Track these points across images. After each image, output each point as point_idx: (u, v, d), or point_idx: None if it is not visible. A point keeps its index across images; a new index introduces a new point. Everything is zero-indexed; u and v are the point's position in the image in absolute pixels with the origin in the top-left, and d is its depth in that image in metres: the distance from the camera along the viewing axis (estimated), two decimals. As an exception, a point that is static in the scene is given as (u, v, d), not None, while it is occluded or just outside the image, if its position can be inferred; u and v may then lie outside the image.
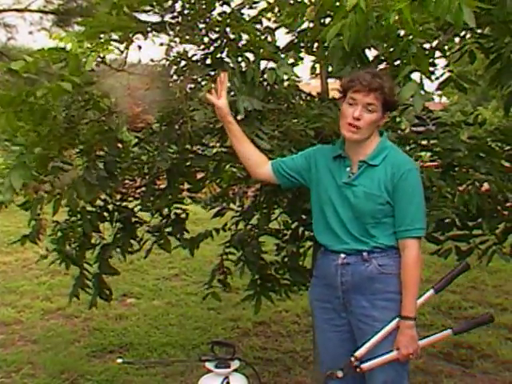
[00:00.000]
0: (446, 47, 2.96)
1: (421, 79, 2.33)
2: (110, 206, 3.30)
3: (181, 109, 2.64)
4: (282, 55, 2.82)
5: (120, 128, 2.90)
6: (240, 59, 2.74)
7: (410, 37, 2.26)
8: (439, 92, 3.10)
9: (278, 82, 2.65)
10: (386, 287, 2.03)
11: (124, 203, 3.35)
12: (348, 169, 2.12)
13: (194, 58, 2.84)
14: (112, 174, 2.90)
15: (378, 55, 2.82)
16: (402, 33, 2.35)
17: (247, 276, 3.43)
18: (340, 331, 2.15)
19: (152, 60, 2.71)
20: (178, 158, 3.00)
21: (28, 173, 2.35)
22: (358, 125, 2.06)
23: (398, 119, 3.07)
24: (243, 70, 2.71)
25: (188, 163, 3.07)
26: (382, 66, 2.84)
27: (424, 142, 2.96)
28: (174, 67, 2.77)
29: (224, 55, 2.80)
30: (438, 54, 2.80)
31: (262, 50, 2.71)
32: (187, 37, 2.68)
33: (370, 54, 2.74)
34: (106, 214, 3.27)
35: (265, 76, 2.68)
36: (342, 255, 2.09)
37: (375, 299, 2.04)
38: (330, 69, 3.02)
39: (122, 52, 2.43)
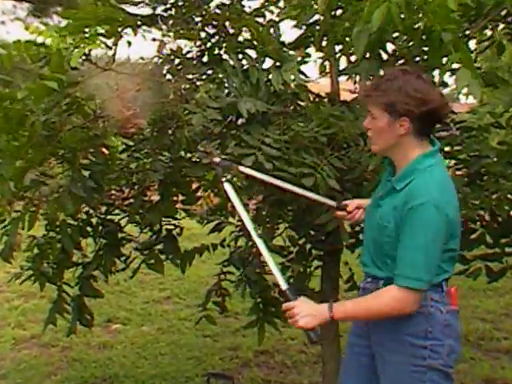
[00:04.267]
0: (474, 40, 3.00)
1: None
2: (94, 220, 3.32)
3: (175, 112, 2.68)
4: (289, 52, 2.88)
5: (108, 134, 2.93)
6: (241, 56, 2.80)
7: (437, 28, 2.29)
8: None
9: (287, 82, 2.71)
10: (398, 326, 2.00)
11: (109, 216, 3.37)
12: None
13: (190, 56, 2.88)
14: (99, 184, 2.96)
15: (395, 51, 2.87)
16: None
17: (247, 299, 3.47)
18: (360, 357, 2.21)
19: (142, 58, 2.76)
20: (171, 167, 3.03)
21: (6, 188, 2.38)
22: (368, 135, 2.13)
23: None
24: (244, 68, 2.77)
25: (182, 172, 3.11)
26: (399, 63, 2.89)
27: (447, 149, 2.99)
28: (167, 65, 2.81)
29: (222, 52, 2.86)
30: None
31: (265, 47, 2.77)
32: (182, 31, 2.71)
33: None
34: (88, 228, 3.30)
35: (269, 76, 2.74)
36: (368, 278, 2.16)
37: (385, 338, 2.07)
38: (340, 67, 3.09)
39: (110, 48, 2.46)
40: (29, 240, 3.29)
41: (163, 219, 3.27)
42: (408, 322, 1.98)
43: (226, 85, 2.72)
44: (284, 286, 2.06)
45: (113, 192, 3.35)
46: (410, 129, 1.99)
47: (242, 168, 2.34)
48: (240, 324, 4.51)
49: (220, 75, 2.73)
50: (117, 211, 3.38)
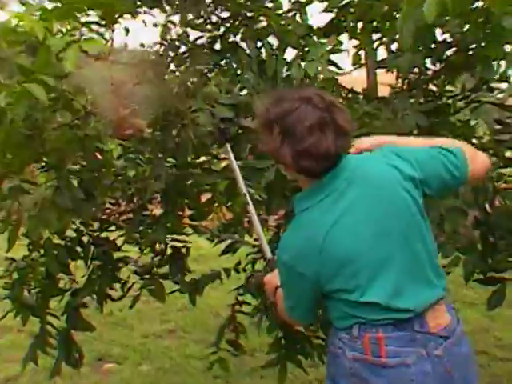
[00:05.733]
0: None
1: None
2: (85, 238, 3.29)
3: (180, 109, 2.67)
4: (318, 40, 2.87)
5: (102, 136, 2.90)
6: (259, 44, 2.80)
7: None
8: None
9: (310, 76, 2.70)
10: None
11: (103, 234, 3.35)
12: None
13: (199, 43, 2.90)
14: (90, 195, 2.92)
15: (445, 38, 2.88)
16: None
17: (266, 334, 3.43)
18: None
19: (143, 45, 2.75)
20: (176, 175, 3.01)
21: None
22: None
23: (472, 123, 3.09)
24: (262, 59, 2.78)
25: (190, 181, 3.09)
26: (449, 53, 2.92)
27: (508, 154, 2.95)
28: (172, 54, 2.81)
29: (238, 39, 2.88)
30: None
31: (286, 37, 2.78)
32: (189, 15, 2.69)
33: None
34: (78, 248, 3.27)
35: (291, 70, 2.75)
36: None
37: None
38: (378, 57, 3.13)
39: (107, 41, 2.45)
40: (7, 263, 3.26)
41: (167, 237, 3.25)
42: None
43: (240, 78, 2.74)
44: (269, 254, 2.40)
45: (108, 205, 3.35)
46: (291, 170, 2.02)
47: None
48: (257, 363, 4.44)
49: (234, 65, 2.75)
50: (112, 227, 3.37)
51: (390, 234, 1.96)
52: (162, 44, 2.85)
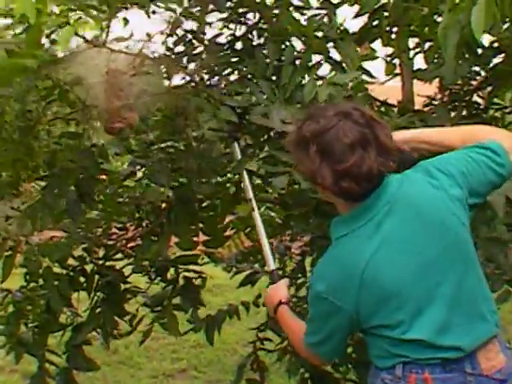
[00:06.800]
0: None
1: None
2: (89, 267, 3.23)
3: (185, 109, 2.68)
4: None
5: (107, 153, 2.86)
6: (283, 46, 2.73)
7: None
8: None
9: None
10: None
11: (109, 262, 3.28)
12: None
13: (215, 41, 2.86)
14: (86, 195, 2.89)
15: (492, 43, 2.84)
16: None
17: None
18: None
19: (148, 34, 2.70)
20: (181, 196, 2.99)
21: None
22: None
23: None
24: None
25: (204, 204, 3.09)
26: (496, 60, 2.88)
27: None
28: (182, 48, 2.78)
29: (262, 40, 2.81)
30: None
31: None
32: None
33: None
34: (81, 278, 3.21)
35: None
36: None
37: None
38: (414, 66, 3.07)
39: (106, 28, 2.41)
40: (2, 294, 3.22)
41: (180, 267, 3.20)
42: None
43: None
44: (272, 266, 2.44)
45: (113, 230, 3.31)
46: (328, 192, 1.96)
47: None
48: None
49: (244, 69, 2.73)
50: (119, 255, 3.31)
51: (435, 262, 1.90)
52: (170, 35, 2.81)
